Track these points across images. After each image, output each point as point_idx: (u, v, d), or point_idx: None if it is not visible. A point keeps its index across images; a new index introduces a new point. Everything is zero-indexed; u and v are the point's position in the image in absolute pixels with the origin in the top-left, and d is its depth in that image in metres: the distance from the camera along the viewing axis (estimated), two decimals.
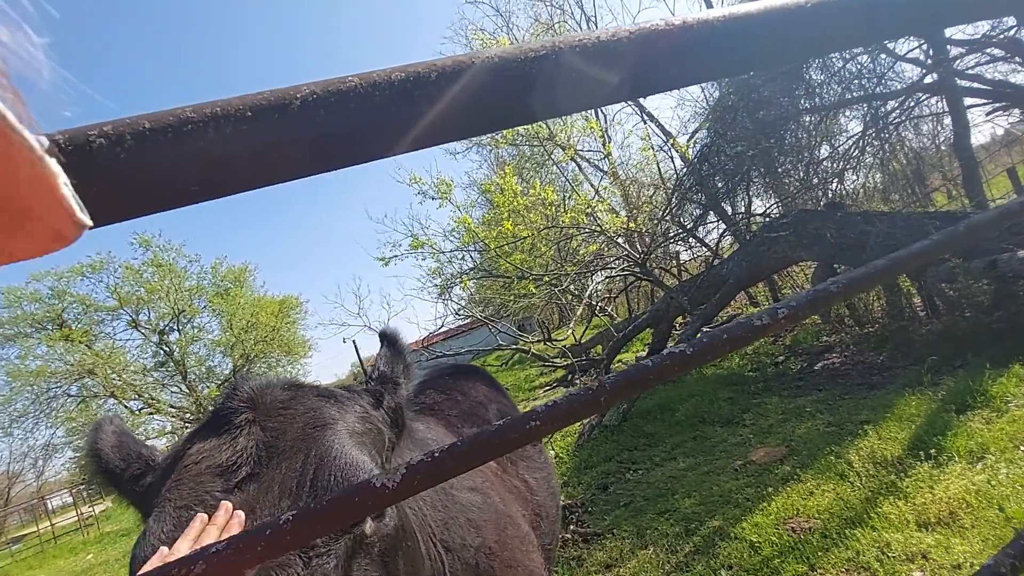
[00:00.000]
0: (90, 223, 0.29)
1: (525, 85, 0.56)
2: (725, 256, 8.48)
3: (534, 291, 8.11)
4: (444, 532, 1.22)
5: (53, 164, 0.26)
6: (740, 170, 7.75)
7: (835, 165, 7.75)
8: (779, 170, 8.04)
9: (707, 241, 9.29)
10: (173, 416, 25.58)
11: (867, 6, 0.65)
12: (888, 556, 2.42)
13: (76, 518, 18.86)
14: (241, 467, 0.75)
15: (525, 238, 7.97)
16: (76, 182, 0.46)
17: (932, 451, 3.12)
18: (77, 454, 24.41)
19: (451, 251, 8.72)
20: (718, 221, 8.66)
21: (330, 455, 0.77)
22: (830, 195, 7.60)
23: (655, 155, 10.35)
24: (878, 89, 6.89)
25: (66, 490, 24.20)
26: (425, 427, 1.64)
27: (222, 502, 0.71)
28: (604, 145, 10.60)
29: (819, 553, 2.61)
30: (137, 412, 24.69)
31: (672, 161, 9.49)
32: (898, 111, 7.04)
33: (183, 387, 25.99)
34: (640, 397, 6.37)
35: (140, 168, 0.45)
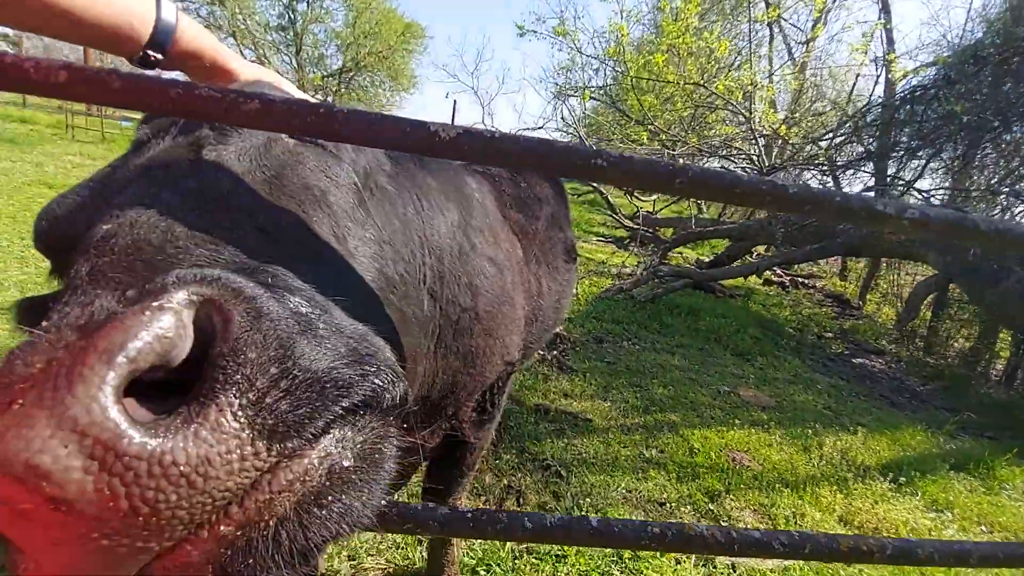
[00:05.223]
0: None
1: None
2: None
3: (644, 141, 7.52)
4: (437, 283, 1.27)
5: None
6: (942, 133, 6.41)
7: None
8: (981, 158, 6.64)
9: (843, 188, 8.20)
10: None
11: None
12: (795, 517, 2.60)
13: None
14: None
15: (668, 82, 7.10)
16: None
17: (902, 479, 3.12)
18: None
19: (590, 56, 7.87)
20: (872, 175, 7.51)
21: None
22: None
23: (861, 66, 8.51)
24: None
25: None
26: (478, 186, 1.64)
27: None
28: (815, 26, 8.68)
29: (740, 484, 2.81)
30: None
31: (875, 83, 7.85)
32: None
33: (294, 61, 26.70)
34: (675, 292, 6.33)
35: None
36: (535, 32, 7.61)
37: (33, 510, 0.29)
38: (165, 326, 0.32)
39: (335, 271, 0.58)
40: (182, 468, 0.31)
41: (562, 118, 8.42)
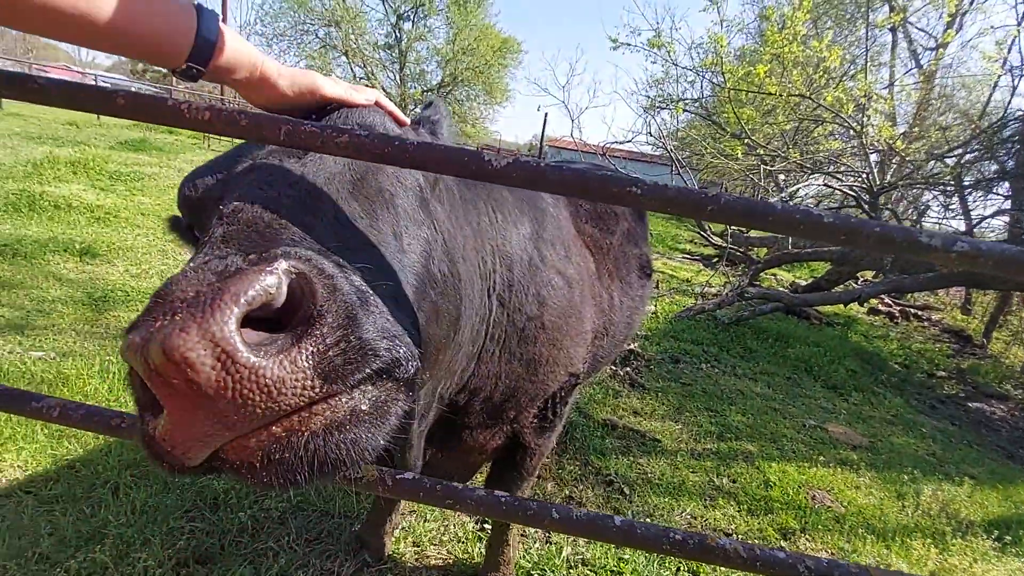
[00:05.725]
0: None
1: None
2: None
3: (739, 156, 7.18)
4: (506, 291, 1.35)
5: None
6: None
7: None
8: None
9: (971, 212, 7.30)
10: None
11: None
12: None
13: None
14: None
15: (770, 94, 6.73)
16: None
17: (1007, 538, 2.74)
18: None
19: (685, 68, 7.68)
20: (1006, 197, 6.63)
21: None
22: None
23: (997, 75, 7.55)
24: None
25: None
26: (553, 201, 1.70)
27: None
28: (946, 31, 7.82)
29: (818, 524, 2.62)
30: (357, 80, 27.98)
31: (1012, 94, 6.94)
32: None
33: (398, 77, 28.53)
34: (763, 316, 5.98)
35: None
36: (629, 45, 7.55)
37: (178, 384, 0.43)
38: (271, 283, 0.47)
39: (387, 261, 0.73)
40: (267, 380, 0.45)
41: (650, 133, 8.24)
